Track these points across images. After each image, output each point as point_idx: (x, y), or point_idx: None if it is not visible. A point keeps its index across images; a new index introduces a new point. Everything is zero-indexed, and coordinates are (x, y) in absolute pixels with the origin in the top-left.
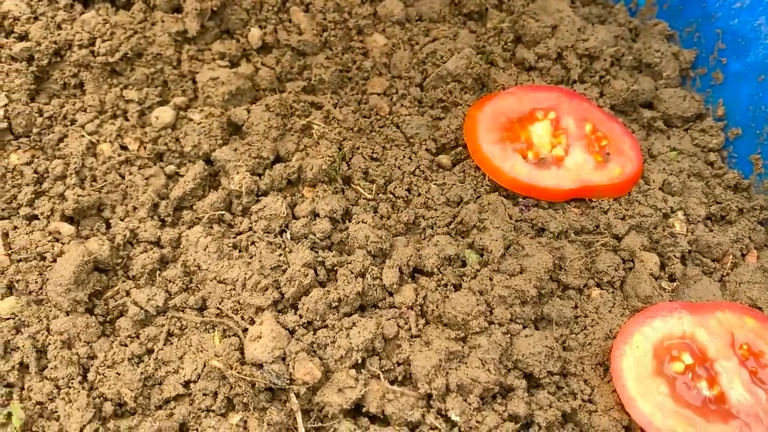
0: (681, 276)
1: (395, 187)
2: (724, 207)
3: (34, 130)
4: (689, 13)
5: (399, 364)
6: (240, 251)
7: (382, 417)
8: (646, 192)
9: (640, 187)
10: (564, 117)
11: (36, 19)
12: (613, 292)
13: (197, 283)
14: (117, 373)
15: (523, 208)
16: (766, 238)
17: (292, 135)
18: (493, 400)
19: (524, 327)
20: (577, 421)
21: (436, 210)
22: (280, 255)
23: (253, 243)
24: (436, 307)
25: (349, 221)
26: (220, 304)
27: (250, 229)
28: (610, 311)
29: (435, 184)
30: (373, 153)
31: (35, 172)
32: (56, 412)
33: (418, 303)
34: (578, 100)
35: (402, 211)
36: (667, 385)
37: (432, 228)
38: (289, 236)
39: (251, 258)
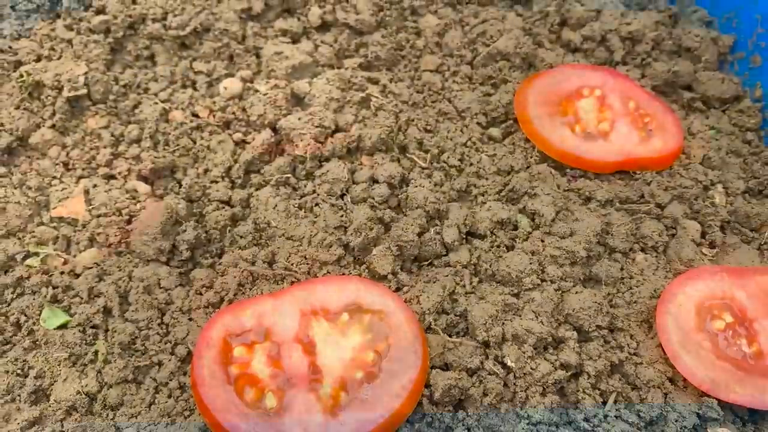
0: (721, 243)
1: (448, 157)
2: (761, 182)
3: (111, 97)
4: (729, 1)
5: (457, 316)
6: (305, 211)
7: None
8: (687, 166)
9: (681, 162)
10: (609, 95)
11: None
12: (656, 256)
13: (266, 239)
14: (190, 318)
15: (571, 178)
16: None
17: (351, 107)
18: (545, 350)
19: (574, 285)
20: (623, 372)
21: (487, 179)
22: (342, 216)
23: (317, 204)
24: (490, 266)
25: (407, 186)
26: (288, 258)
27: (314, 191)
28: (654, 273)
29: (486, 154)
30: (427, 125)
31: (112, 135)
32: (138, 350)
33: (472, 262)
34: (622, 79)
35: (455, 179)
36: (709, 341)
37: (483, 195)
38: (349, 199)
39: (316, 218)
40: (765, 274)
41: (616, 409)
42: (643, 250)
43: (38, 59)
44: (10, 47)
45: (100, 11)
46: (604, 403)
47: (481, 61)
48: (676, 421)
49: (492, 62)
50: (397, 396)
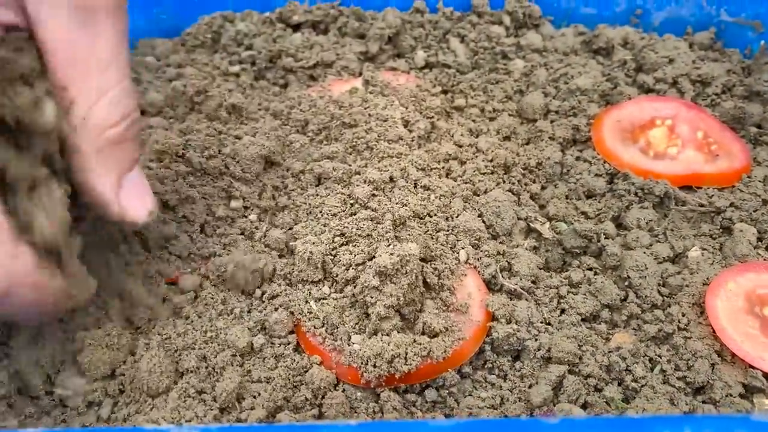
0: None
1: None
2: None
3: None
4: None
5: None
6: None
7: None
8: (748, 183)
9: (743, 181)
10: (679, 124)
11: (258, 35)
12: (713, 252)
13: None
14: None
15: None
16: None
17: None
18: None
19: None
20: (673, 344)
21: None
22: None
23: None
24: None
25: None
26: None
27: None
28: (710, 266)
29: None
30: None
31: None
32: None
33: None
34: (695, 110)
35: None
36: (758, 322)
37: None
38: None
39: None
40: None
41: (664, 374)
42: (701, 246)
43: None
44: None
45: (249, 47)
46: (653, 367)
47: (561, 95)
48: (722, 389)
49: (571, 97)
50: None
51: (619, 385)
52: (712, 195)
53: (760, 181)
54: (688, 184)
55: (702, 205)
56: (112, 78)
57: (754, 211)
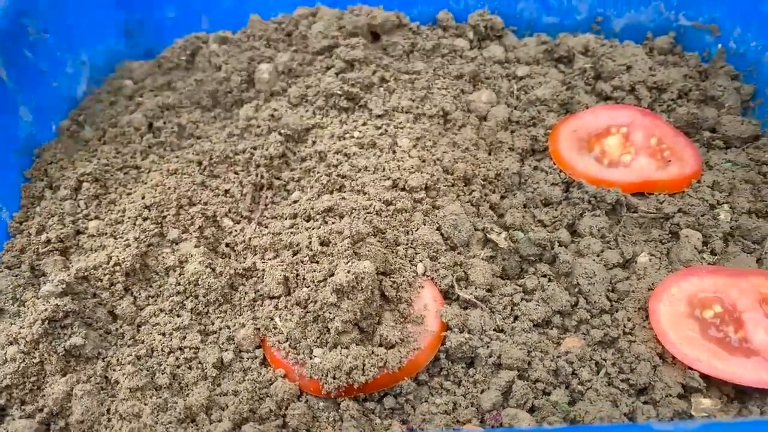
0: (722, 252)
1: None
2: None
3: None
4: (749, 56)
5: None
6: None
7: None
8: (697, 188)
9: (693, 186)
10: (634, 131)
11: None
12: (660, 257)
13: None
14: None
15: None
16: None
17: None
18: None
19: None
20: (618, 348)
21: None
22: None
23: None
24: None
25: None
26: None
27: None
28: (656, 271)
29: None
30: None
31: None
32: None
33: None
34: (650, 117)
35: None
36: (698, 325)
37: None
38: None
39: None
40: (759, 275)
41: (609, 377)
42: (649, 252)
43: None
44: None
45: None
46: (599, 370)
47: (522, 105)
48: (662, 389)
49: (531, 107)
50: None
51: (567, 388)
52: (663, 201)
53: (708, 186)
54: (640, 191)
55: (650, 212)
56: None
57: (702, 216)
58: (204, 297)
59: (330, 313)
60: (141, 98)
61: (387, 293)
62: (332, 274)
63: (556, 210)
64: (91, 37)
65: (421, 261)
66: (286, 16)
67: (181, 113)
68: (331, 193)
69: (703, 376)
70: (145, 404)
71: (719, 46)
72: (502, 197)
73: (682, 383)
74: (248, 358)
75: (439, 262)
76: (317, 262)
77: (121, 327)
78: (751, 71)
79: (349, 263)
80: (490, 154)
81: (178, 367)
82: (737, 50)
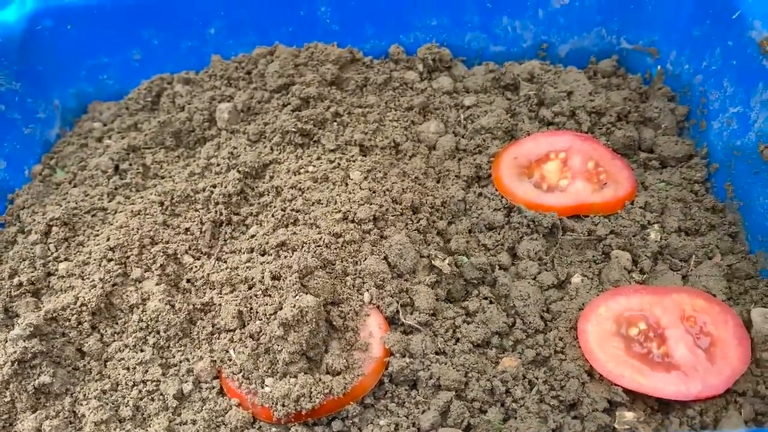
0: (650, 270)
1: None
2: (697, 222)
3: None
4: (684, 78)
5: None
6: None
7: None
8: (630, 210)
9: (626, 207)
10: (572, 156)
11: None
12: (592, 278)
13: None
14: None
15: None
16: (732, 246)
17: None
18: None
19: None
20: (549, 366)
21: None
22: None
23: None
24: None
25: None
26: None
27: None
28: (587, 291)
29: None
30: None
31: None
32: None
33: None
34: (588, 142)
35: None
36: (623, 343)
37: None
38: None
39: None
40: (681, 292)
41: (540, 394)
42: (581, 273)
43: None
44: None
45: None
46: (532, 388)
47: (469, 134)
48: (590, 404)
49: (477, 135)
50: None
51: (502, 406)
52: (597, 223)
53: (641, 207)
54: (576, 214)
55: (584, 235)
56: None
57: (633, 236)
58: (165, 332)
59: (278, 345)
60: (109, 140)
61: (334, 323)
62: (281, 308)
63: (498, 234)
64: (61, 81)
65: (367, 290)
66: (246, 55)
67: (145, 154)
68: (286, 227)
69: (629, 391)
70: None
71: (659, 67)
72: (449, 223)
73: (607, 398)
74: (206, 389)
75: (385, 290)
76: (269, 296)
77: (88, 363)
78: (686, 92)
79: (297, 297)
80: (438, 182)
81: (141, 399)
82: (674, 72)
